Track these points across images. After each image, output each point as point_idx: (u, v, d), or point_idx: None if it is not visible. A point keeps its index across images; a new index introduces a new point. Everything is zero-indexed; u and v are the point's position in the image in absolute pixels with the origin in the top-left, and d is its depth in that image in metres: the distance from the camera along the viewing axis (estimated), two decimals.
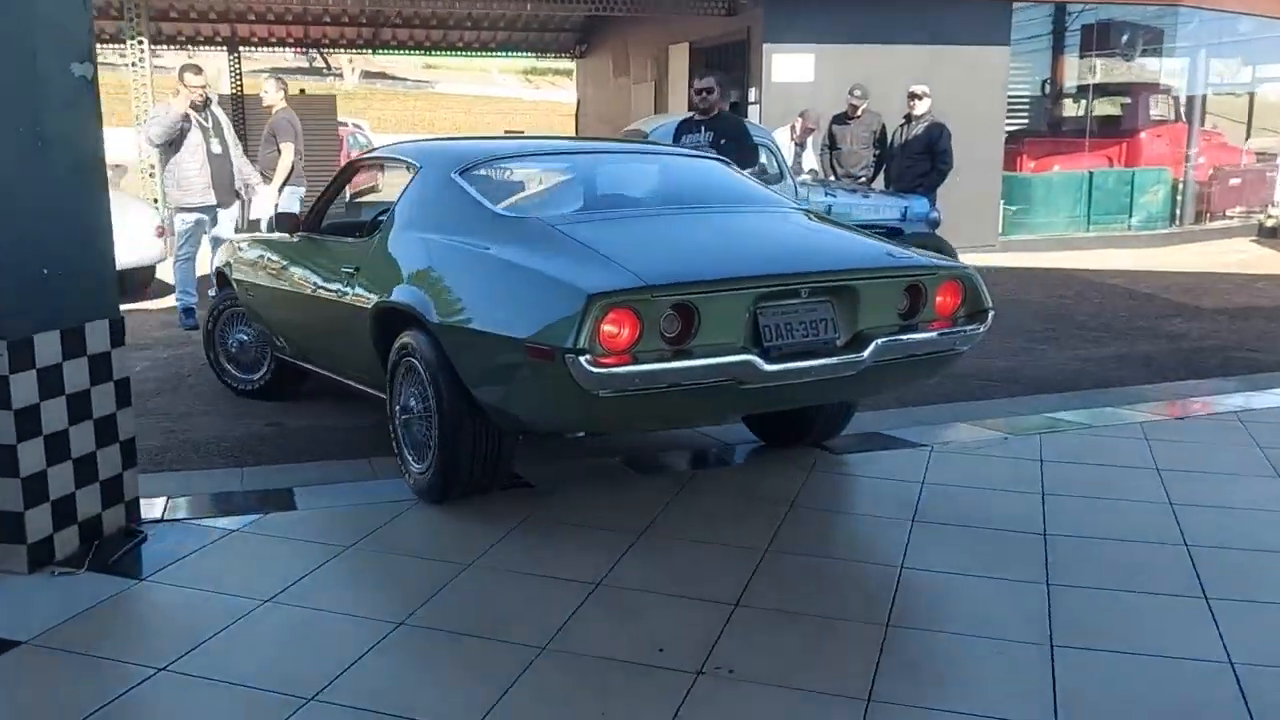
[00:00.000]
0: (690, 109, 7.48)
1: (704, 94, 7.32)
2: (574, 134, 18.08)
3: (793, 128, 9.90)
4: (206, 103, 7.41)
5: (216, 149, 7.43)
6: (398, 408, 3.92)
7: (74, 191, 3.26)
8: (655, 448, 4.59)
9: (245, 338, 5.63)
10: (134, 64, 10.74)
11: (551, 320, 3.20)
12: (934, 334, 3.72)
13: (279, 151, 8.38)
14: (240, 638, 2.83)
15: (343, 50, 19.93)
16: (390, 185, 7.93)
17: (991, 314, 3.84)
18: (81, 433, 3.33)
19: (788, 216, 4.29)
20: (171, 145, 7.30)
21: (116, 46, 13.27)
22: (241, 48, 17.51)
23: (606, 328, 3.13)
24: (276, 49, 18.01)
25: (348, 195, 12.23)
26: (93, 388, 3.37)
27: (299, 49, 19.00)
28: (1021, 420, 5.03)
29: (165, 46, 17.19)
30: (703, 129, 7.35)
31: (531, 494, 3.94)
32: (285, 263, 4.95)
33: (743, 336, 3.34)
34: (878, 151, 9.79)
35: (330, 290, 4.44)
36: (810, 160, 9.95)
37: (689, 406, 3.49)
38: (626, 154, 5.29)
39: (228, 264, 5.63)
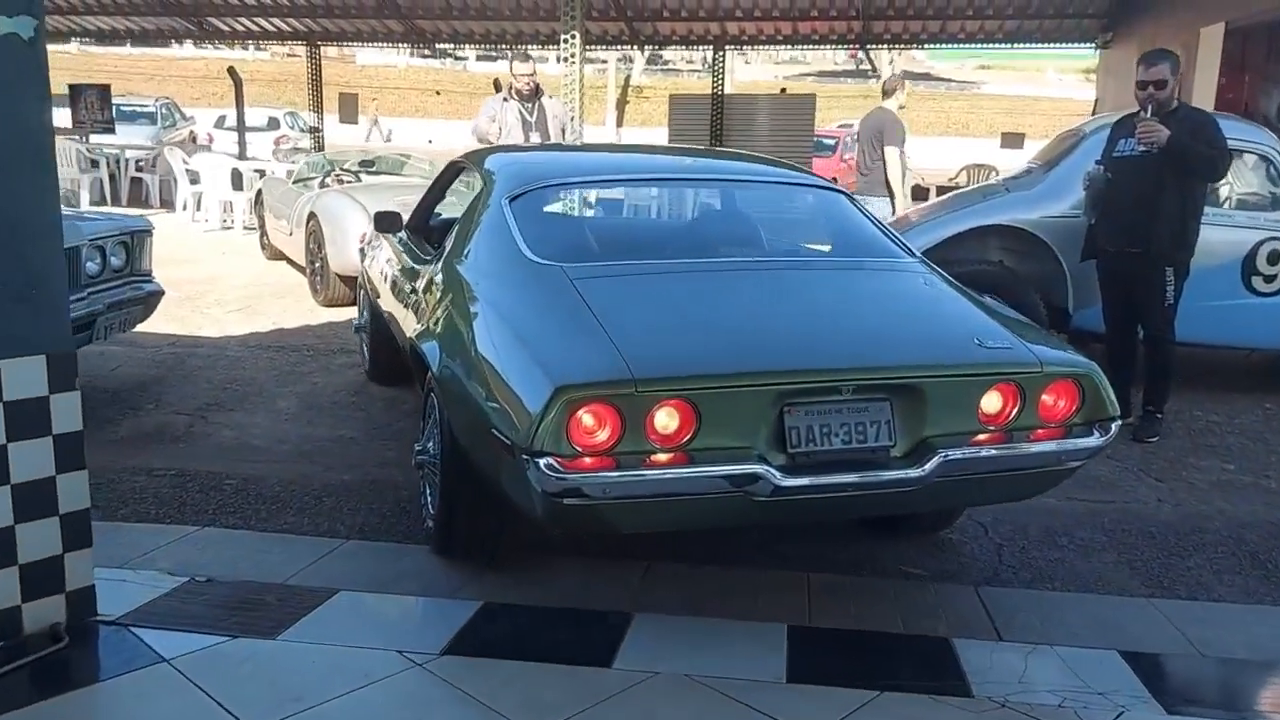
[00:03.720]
0: (1140, 105, 5.27)
1: (1151, 89, 5.11)
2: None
3: None
4: (535, 92, 6.76)
5: (535, 139, 6.77)
6: (417, 444, 3.62)
7: None
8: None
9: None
10: (566, 59, 10.49)
11: (515, 411, 2.68)
12: (1031, 447, 2.89)
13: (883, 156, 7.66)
14: None
15: (831, 46, 18.81)
16: None
17: (1117, 424, 2.96)
18: None
19: (875, 279, 3.52)
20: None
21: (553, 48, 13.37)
22: (728, 46, 17.13)
23: (584, 420, 2.56)
24: (762, 47, 17.38)
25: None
26: (10, 444, 2.57)
27: (791, 46, 18.18)
28: None
29: (657, 48, 17.39)
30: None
31: (590, 679, 2.53)
32: (384, 260, 4.90)
33: (762, 439, 2.68)
34: None
35: (398, 304, 4.36)
36: None
37: (686, 517, 2.79)
38: (719, 180, 4.43)
39: (362, 250, 5.76)
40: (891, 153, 7.64)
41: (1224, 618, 3.13)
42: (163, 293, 5.64)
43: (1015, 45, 16.66)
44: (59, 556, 2.69)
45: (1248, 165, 5.85)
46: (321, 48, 18.60)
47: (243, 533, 3.65)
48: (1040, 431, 2.90)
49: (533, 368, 2.73)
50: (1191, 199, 5.03)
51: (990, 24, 15.87)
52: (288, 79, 40.81)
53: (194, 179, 12.37)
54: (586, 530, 3.16)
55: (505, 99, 6.91)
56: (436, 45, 19.68)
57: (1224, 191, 5.83)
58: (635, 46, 17.34)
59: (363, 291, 5.77)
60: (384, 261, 4.96)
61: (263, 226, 10.19)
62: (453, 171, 4.67)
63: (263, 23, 17.87)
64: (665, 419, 2.59)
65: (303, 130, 22.24)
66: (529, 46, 16.96)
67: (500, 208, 3.59)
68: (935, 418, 2.79)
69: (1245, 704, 2.59)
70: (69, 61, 32.74)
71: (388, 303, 4.69)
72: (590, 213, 4.59)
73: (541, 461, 2.50)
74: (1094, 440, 2.93)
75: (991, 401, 2.85)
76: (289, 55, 41.88)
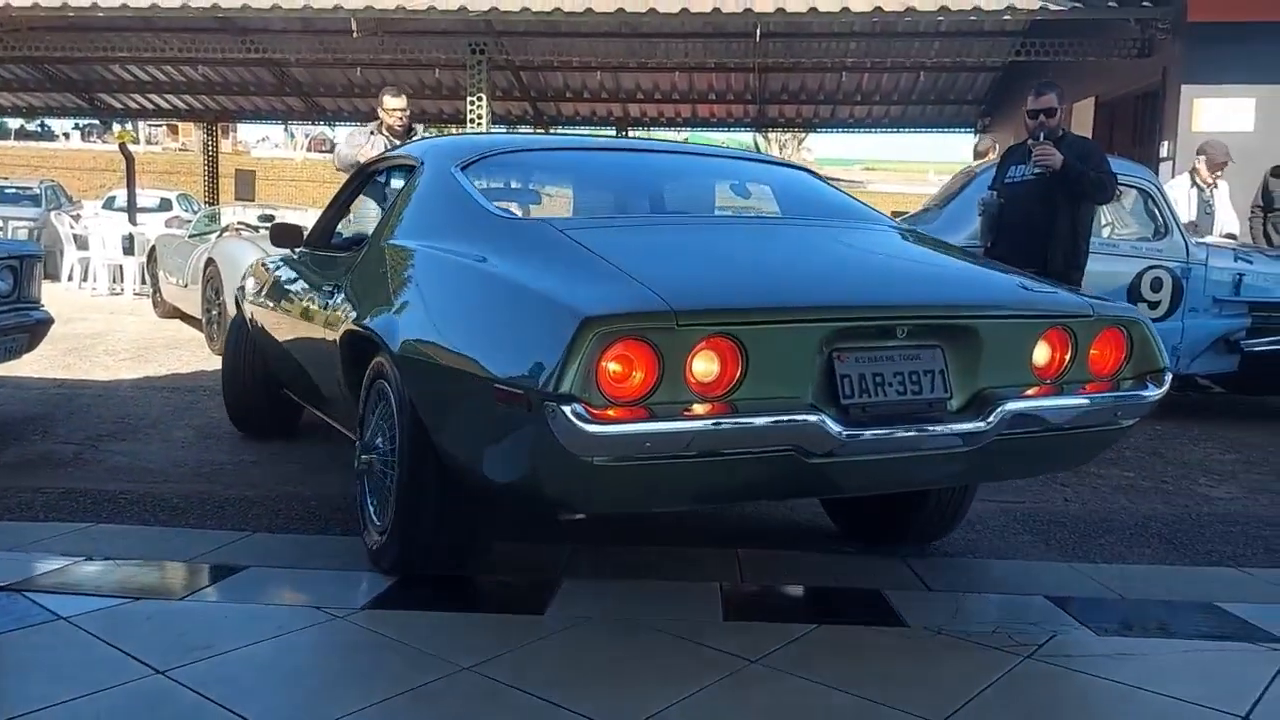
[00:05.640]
0: (1029, 135, 5.53)
1: (1042, 116, 5.34)
2: None
3: (1193, 172, 7.35)
4: (408, 131, 6.51)
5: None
6: (359, 444, 3.08)
7: None
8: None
9: None
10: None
11: (530, 353, 2.28)
12: (1086, 400, 2.65)
13: None
14: None
15: (727, 129, 19.38)
16: None
17: (1169, 375, 2.76)
18: None
19: (886, 234, 3.31)
20: None
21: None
22: (630, 128, 17.54)
23: (611, 366, 2.19)
24: (666, 129, 17.84)
25: None
26: None
27: (691, 129, 18.68)
28: None
29: (560, 128, 17.67)
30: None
31: (521, 624, 2.43)
32: (278, 282, 4.34)
33: (811, 389, 2.37)
34: None
35: (308, 312, 3.77)
36: (1228, 218, 7.37)
37: (729, 484, 2.44)
38: (680, 154, 4.30)
39: (241, 287, 5.05)
40: None
41: (1142, 574, 3.20)
42: (52, 321, 5.40)
43: (901, 130, 17.47)
44: None
45: (1129, 199, 6.18)
46: (217, 133, 18.43)
47: (140, 527, 3.47)
48: (1091, 385, 2.71)
49: (548, 304, 2.34)
50: (1082, 220, 5.28)
51: (877, 109, 16.64)
52: (179, 170, 40.17)
53: (81, 244, 11.99)
54: (604, 504, 2.58)
55: (373, 133, 6.32)
56: (336, 126, 19.61)
57: (1108, 223, 6.12)
58: (539, 128, 17.53)
59: (233, 334, 5.02)
60: (276, 282, 4.39)
61: (155, 285, 9.90)
62: (362, 177, 4.29)
63: (158, 100, 17.66)
64: (706, 363, 2.27)
65: (195, 212, 21.86)
66: (431, 125, 17.11)
67: (450, 176, 3.20)
68: (989, 368, 2.55)
69: (1176, 630, 2.62)
70: None
71: (286, 324, 4.12)
72: (560, 182, 4.23)
73: (568, 409, 2.10)
74: (1150, 393, 2.72)
75: (1042, 352, 2.65)
76: (181, 149, 41.19)
